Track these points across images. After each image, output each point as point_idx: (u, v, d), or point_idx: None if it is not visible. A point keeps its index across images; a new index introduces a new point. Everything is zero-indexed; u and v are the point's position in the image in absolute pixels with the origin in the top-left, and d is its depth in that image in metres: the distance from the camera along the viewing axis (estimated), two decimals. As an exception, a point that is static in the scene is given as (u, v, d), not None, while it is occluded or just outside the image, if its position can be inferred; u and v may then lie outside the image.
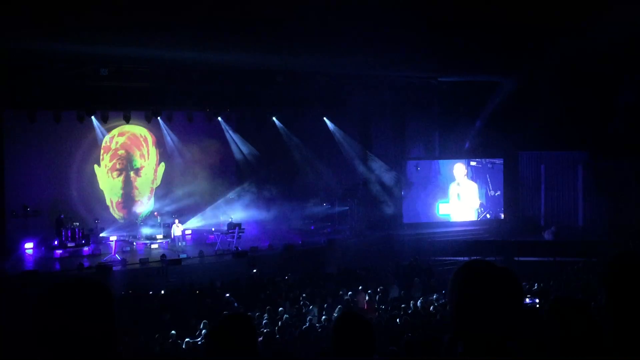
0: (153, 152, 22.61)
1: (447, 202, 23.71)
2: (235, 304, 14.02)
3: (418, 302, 13.85)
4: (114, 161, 21.93)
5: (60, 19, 12.30)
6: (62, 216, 19.47)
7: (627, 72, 19.82)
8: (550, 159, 24.02)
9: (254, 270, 17.72)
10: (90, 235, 19.88)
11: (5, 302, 13.83)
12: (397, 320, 11.56)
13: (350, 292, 14.85)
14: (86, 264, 17.81)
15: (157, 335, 11.34)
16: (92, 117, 20.41)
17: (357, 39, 14.94)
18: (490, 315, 2.11)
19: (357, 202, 23.06)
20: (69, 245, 19.18)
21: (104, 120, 20.55)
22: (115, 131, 21.75)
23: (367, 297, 14.61)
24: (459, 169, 23.80)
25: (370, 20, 13.19)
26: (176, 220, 20.86)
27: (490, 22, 13.79)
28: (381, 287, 15.35)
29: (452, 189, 23.79)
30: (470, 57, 18.27)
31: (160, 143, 22.50)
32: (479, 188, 23.92)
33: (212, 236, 21.05)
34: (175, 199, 22.19)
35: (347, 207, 23.18)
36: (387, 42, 15.49)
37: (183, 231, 20.92)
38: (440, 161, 24.17)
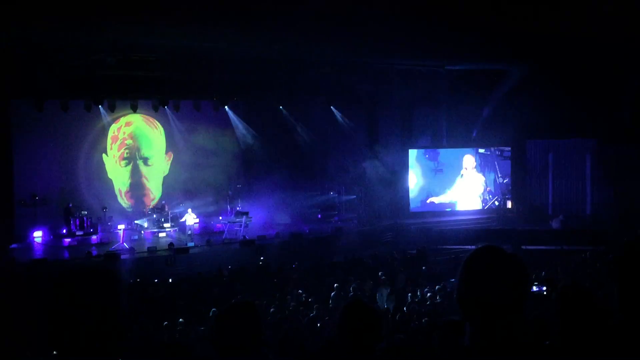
0: (160, 141, 22.63)
1: (456, 189, 23.71)
2: (243, 293, 14.05)
3: (425, 290, 13.87)
4: (122, 150, 21.97)
5: (67, 7, 12.31)
6: (70, 205, 19.55)
7: (635, 59, 19.67)
8: (559, 147, 23.94)
9: (262, 258, 17.77)
10: (98, 224, 19.96)
11: (15, 290, 13.94)
12: (405, 308, 11.58)
13: (357, 281, 14.86)
14: (94, 252, 17.90)
15: (165, 323, 11.40)
16: (100, 106, 20.44)
17: (365, 27, 14.89)
18: (498, 300, 2.11)
19: (364, 191, 23.07)
20: (78, 233, 19.29)
21: (111, 109, 20.57)
22: (122, 120, 21.78)
23: (374, 286, 14.62)
24: (468, 159, 23.76)
25: (378, 8, 13.14)
26: (189, 210, 20.91)
27: (497, 9, 13.71)
28: (388, 276, 15.35)
29: (459, 178, 23.77)
30: (477, 45, 18.17)
31: (167, 132, 22.52)
32: (487, 175, 23.89)
33: (219, 225, 21.11)
34: (183, 187, 22.24)
35: (354, 196, 23.20)
36: (394, 30, 15.43)
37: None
38: (449, 150, 24.12)
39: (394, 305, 12.31)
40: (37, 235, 19.18)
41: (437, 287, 14.01)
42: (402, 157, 23.58)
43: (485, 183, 23.93)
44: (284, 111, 23.22)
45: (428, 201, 23.63)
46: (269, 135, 22.97)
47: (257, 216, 21.31)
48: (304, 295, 13.89)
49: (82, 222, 19.42)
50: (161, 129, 22.52)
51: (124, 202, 22.00)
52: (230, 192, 22.24)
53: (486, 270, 2.16)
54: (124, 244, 18.63)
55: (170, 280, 15.84)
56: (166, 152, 22.73)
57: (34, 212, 19.24)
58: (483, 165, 23.92)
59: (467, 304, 2.17)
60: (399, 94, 23.39)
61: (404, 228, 21.79)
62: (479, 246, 2.25)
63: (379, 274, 15.14)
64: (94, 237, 19.56)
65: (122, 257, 17.58)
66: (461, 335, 2.20)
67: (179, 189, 22.25)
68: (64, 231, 19.42)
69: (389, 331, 8.38)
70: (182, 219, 20.77)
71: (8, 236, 18.33)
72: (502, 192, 23.98)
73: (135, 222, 20.74)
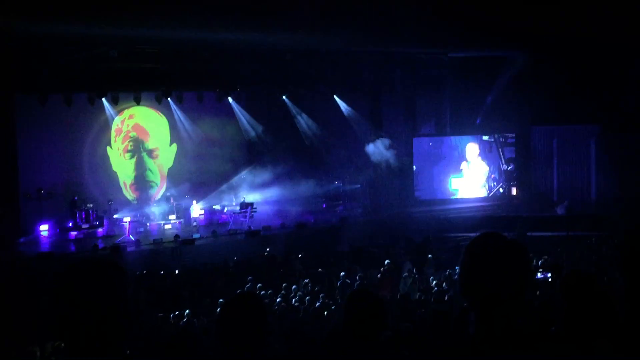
0: (164, 133, 22.63)
1: (461, 176, 23.70)
2: (249, 284, 14.09)
3: (431, 279, 13.90)
4: (126, 143, 21.99)
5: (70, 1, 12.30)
6: (75, 198, 19.62)
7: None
8: (563, 134, 23.84)
9: (267, 249, 17.80)
10: (104, 216, 20.02)
11: (21, 284, 14.02)
12: (410, 296, 11.61)
13: (362, 270, 14.90)
14: (101, 245, 17.96)
15: (171, 315, 11.46)
16: (103, 99, 20.44)
17: (366, 15, 14.84)
18: (500, 287, 2.11)
19: (368, 180, 23.06)
20: (83, 226, 19.38)
21: (114, 102, 20.59)
22: (126, 113, 21.78)
23: (379, 275, 14.66)
24: (472, 148, 23.72)
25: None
26: (194, 201, 20.95)
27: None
28: (394, 265, 15.38)
29: (464, 166, 23.75)
30: (480, 32, 18.09)
31: (171, 124, 22.53)
32: (492, 162, 23.86)
33: (224, 216, 21.15)
34: (187, 179, 22.26)
35: (359, 185, 23.18)
36: (396, 18, 15.37)
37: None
38: (453, 138, 24.06)
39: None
40: (43, 228, 19.25)
41: (442, 275, 14.05)
42: (406, 145, 23.54)
43: (489, 170, 23.89)
44: (287, 101, 23.19)
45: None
46: (272, 125, 22.95)
47: (262, 207, 21.34)
48: (309, 284, 13.93)
49: (87, 215, 19.51)
50: (165, 120, 22.52)
51: (129, 194, 22.04)
52: (234, 183, 22.26)
53: (488, 257, 2.15)
54: (130, 236, 18.70)
55: (176, 272, 15.90)
56: (170, 144, 22.74)
57: (39, 206, 19.29)
58: (488, 152, 23.86)
59: (470, 292, 2.17)
60: (403, 81, 23.33)
61: (409, 216, 21.77)
62: (480, 233, 2.25)
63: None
64: (100, 229, 19.65)
65: (128, 249, 17.66)
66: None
67: (183, 181, 22.27)
68: (70, 224, 19.51)
69: (395, 319, 8.41)
70: (188, 211, 20.81)
71: (14, 230, 18.40)
72: (506, 179, 23.94)
73: (141, 214, 20.80)
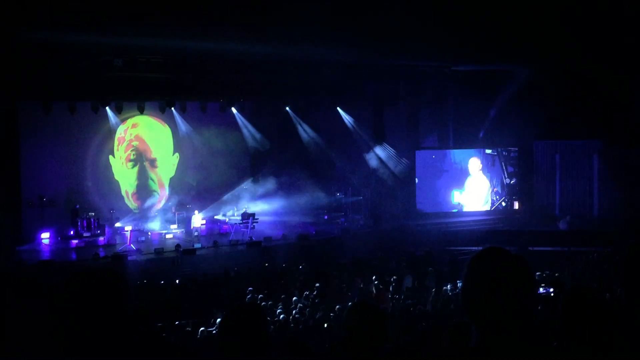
0: (167, 142, 22.67)
1: (463, 190, 23.66)
2: (249, 295, 14.06)
3: (432, 292, 13.85)
4: (129, 152, 22.03)
5: (75, 9, 12.36)
6: (77, 206, 19.64)
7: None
8: (566, 148, 23.85)
9: (266, 264, 17.74)
10: (105, 225, 20.02)
11: (22, 292, 13.97)
12: (411, 310, 11.57)
13: (363, 282, 14.85)
14: (102, 253, 17.94)
15: (171, 324, 11.41)
16: (107, 108, 20.51)
17: (370, 28, 14.89)
18: (503, 302, 2.10)
19: (370, 192, 23.05)
20: (85, 235, 19.36)
21: (118, 111, 20.64)
22: (129, 122, 21.84)
23: (380, 287, 14.61)
24: (474, 162, 23.71)
25: (384, 10, 13.15)
26: (196, 212, 20.96)
27: (503, 11, 13.70)
28: (395, 277, 15.34)
29: (466, 180, 23.74)
30: (483, 46, 18.13)
31: (174, 133, 22.58)
32: (495, 176, 23.85)
33: (226, 226, 21.14)
34: (189, 189, 22.29)
35: (361, 197, 23.18)
36: (400, 31, 15.42)
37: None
38: (456, 151, 24.05)
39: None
40: (45, 236, 19.23)
41: (444, 288, 14.01)
42: (409, 158, 23.55)
43: (492, 184, 23.87)
44: (291, 112, 23.24)
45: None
46: (275, 136, 23.00)
47: (264, 217, 21.33)
48: (310, 296, 13.88)
49: (89, 223, 19.51)
50: (168, 130, 22.57)
51: (131, 203, 22.05)
52: (237, 194, 22.26)
53: (491, 271, 2.15)
54: (131, 245, 18.68)
55: (177, 282, 15.86)
56: (173, 154, 22.78)
57: (41, 214, 19.30)
58: (490, 165, 23.86)
59: (472, 306, 2.16)
60: (406, 94, 23.37)
61: (410, 229, 21.74)
62: (484, 248, 2.24)
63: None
64: (101, 238, 19.64)
65: (129, 258, 17.63)
66: (469, 337, 2.19)
67: (185, 190, 22.29)
68: (71, 232, 19.50)
69: (395, 333, 8.37)
70: (189, 221, 20.81)
71: (15, 237, 18.38)
72: (508, 193, 23.93)
73: (142, 223, 20.80)
